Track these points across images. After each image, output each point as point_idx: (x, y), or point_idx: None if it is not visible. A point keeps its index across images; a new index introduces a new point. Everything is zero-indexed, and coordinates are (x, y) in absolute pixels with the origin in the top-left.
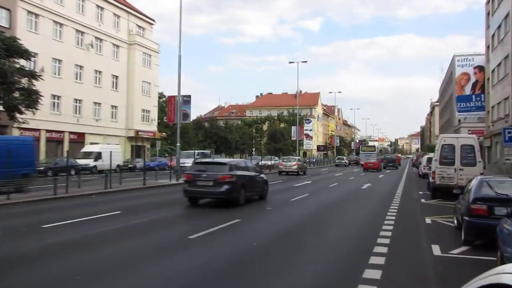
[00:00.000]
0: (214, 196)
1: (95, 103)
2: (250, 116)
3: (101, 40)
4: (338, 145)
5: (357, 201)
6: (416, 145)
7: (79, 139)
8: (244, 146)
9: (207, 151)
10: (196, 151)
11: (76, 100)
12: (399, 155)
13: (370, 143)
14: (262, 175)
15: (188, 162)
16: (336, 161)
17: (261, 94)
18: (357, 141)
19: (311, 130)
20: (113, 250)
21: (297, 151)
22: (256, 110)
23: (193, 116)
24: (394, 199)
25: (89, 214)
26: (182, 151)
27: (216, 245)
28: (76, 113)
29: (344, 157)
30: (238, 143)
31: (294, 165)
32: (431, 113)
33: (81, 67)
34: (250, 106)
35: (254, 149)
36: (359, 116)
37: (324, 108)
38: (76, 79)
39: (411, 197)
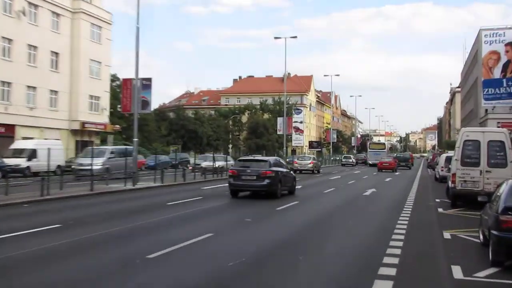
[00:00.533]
0: (256, 189)
1: (29, 87)
2: (226, 105)
3: (36, 6)
4: (335, 141)
5: (357, 210)
6: (432, 141)
7: (7, 132)
8: (219, 142)
9: (130, 147)
10: (111, 147)
11: (3, 83)
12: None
13: (375, 139)
14: (291, 172)
15: (98, 162)
16: (343, 160)
17: (240, 77)
18: (359, 136)
19: (301, 122)
20: (47, 274)
21: (284, 148)
22: (233, 97)
23: (154, 105)
24: (405, 208)
25: (19, 229)
26: (94, 148)
27: (179, 267)
28: (3, 100)
29: (352, 156)
30: (210, 138)
31: (310, 163)
32: (451, 101)
33: (9, 40)
34: (226, 92)
35: (230, 145)
36: (362, 105)
37: (318, 95)
38: (4, 56)
39: (426, 206)
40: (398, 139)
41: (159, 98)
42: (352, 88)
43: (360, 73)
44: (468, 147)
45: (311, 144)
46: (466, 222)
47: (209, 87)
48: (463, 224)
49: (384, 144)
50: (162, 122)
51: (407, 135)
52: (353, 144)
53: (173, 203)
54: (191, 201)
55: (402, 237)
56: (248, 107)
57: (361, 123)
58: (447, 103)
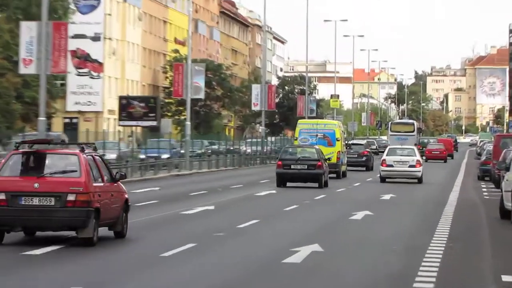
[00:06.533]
0: (358, 163)
1: None
2: None
3: None
4: (203, 97)
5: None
6: (492, 97)
7: None
8: None
9: None
10: None
11: None
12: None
13: (324, 90)
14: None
15: None
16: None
17: None
18: (276, 81)
19: (97, 37)
20: None
21: (41, 117)
22: None
23: None
24: None
25: None
26: None
27: None
28: None
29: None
30: None
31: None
32: None
33: None
34: None
35: None
36: None
37: None
38: None
39: None
40: (393, 91)
41: None
42: None
43: None
44: None
45: (129, 107)
46: None
47: None
48: None
49: (412, 124)
50: None
51: (420, 77)
52: (256, 107)
53: None
54: None
55: None
56: None
57: (283, 42)
58: None
